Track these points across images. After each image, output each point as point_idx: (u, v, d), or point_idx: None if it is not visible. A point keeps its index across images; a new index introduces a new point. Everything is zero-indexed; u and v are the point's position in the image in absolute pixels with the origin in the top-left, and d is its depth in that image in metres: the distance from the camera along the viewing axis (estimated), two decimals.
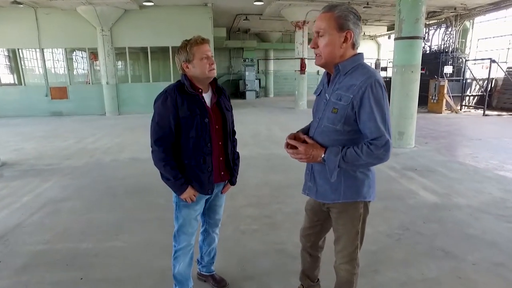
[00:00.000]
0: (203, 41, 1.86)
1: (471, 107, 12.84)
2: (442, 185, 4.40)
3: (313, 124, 1.63)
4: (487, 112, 11.44)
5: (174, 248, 2.06)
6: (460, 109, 12.34)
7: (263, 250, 2.87)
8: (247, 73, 19.25)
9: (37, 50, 12.63)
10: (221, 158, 2.01)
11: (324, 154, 1.49)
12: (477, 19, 15.19)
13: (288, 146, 1.59)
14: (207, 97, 1.94)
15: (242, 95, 19.79)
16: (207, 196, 2.03)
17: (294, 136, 1.63)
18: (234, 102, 18.20)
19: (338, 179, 1.55)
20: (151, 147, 1.88)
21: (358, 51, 1.53)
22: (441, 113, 11.86)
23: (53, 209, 3.75)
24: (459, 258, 2.67)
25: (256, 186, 4.45)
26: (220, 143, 1.98)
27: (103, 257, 2.76)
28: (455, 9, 13.13)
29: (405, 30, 6.09)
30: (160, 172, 1.92)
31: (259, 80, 20.65)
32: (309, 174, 1.69)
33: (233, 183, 2.14)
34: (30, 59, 13.30)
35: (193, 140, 1.87)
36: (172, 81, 13.03)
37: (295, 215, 3.51)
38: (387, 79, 16.31)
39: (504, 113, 11.70)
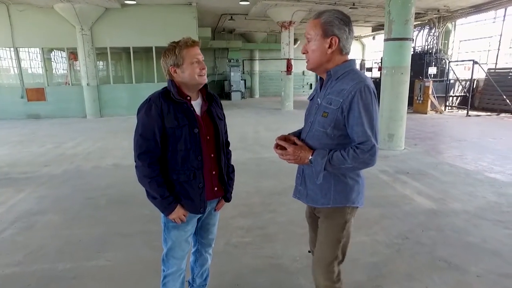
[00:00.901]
0: (193, 43, 1.66)
1: (454, 108, 13.04)
2: (436, 189, 4.33)
3: (305, 128, 1.65)
4: (470, 112, 11.64)
5: (163, 273, 1.86)
6: (444, 110, 12.51)
7: (257, 265, 2.68)
8: (232, 73, 19.00)
9: (11, 49, 12.00)
10: (213, 172, 1.82)
11: (312, 156, 1.51)
12: (459, 21, 15.47)
13: (278, 147, 1.59)
14: (196, 105, 1.74)
15: (227, 96, 19.52)
16: (199, 215, 1.84)
17: (285, 138, 1.64)
18: None
19: (328, 183, 1.56)
20: (135, 161, 1.67)
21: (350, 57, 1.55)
22: (426, 113, 11.98)
23: (26, 224, 3.45)
24: (463, 270, 2.56)
25: (246, 193, 4.26)
26: (212, 155, 1.79)
27: (83, 279, 2.51)
28: (438, 11, 13.30)
29: (395, 31, 6.04)
30: (146, 190, 1.71)
31: (245, 80, 20.43)
32: (300, 178, 1.69)
33: (227, 199, 1.94)
34: (5, 58, 12.62)
35: (181, 153, 1.67)
36: (156, 83, 12.75)
37: (289, 225, 3.35)
38: (373, 79, 16.46)
39: (485, 113, 11.93)
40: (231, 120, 11.31)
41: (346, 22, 1.47)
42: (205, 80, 1.71)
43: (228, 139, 2.01)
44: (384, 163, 5.62)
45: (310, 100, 1.69)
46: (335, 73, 1.51)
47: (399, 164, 5.58)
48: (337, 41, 1.46)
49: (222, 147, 1.84)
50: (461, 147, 6.84)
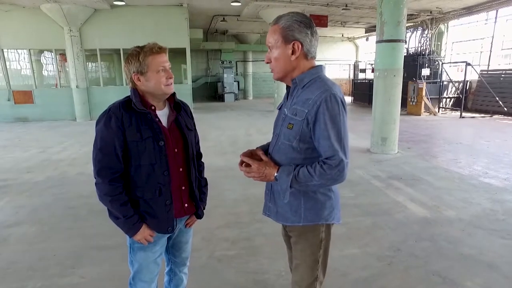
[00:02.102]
0: (160, 50, 1.51)
1: (448, 109, 13.01)
2: (429, 196, 4.21)
3: (272, 141, 1.54)
4: (463, 114, 11.60)
5: None
6: (438, 111, 12.46)
7: (242, 282, 2.53)
8: (225, 75, 18.84)
9: None
10: (183, 188, 1.66)
11: (277, 173, 1.39)
12: (451, 23, 15.49)
13: (243, 163, 1.47)
14: (162, 115, 1.59)
15: (220, 98, 19.38)
16: (169, 234, 1.68)
17: (251, 153, 1.53)
18: (212, 105, 17.72)
19: (298, 201, 1.44)
20: (95, 178, 1.51)
21: (317, 62, 1.43)
22: (420, 115, 11.92)
23: None
24: (459, 285, 2.43)
25: (234, 201, 4.10)
26: (180, 169, 1.64)
27: None
28: (430, 12, 13.28)
29: (387, 33, 5.92)
30: (107, 209, 1.55)
31: (238, 82, 20.29)
32: (269, 194, 1.58)
33: (199, 216, 1.78)
34: None
35: (145, 168, 1.52)
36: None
37: (276, 236, 3.16)
38: (366, 81, 16.40)
39: (479, 114, 11.90)
40: (223, 122, 11.23)
41: (307, 24, 1.36)
42: (172, 89, 1.56)
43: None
44: (377, 167, 5.50)
45: (279, 109, 1.57)
46: (300, 80, 1.39)
47: (392, 168, 5.46)
48: (300, 46, 1.35)
49: (192, 159, 1.68)
50: (455, 150, 6.75)
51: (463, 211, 3.74)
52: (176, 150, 1.60)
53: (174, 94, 1.63)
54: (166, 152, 1.54)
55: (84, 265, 2.76)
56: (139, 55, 1.49)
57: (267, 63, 1.45)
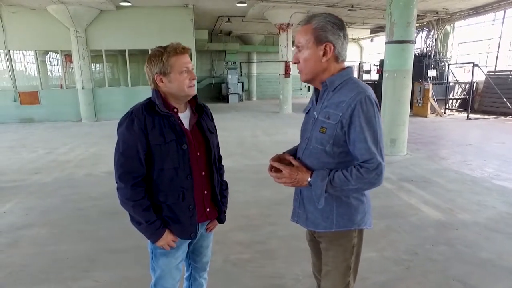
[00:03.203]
0: (183, 50, 1.47)
1: (454, 110, 12.92)
2: (442, 199, 4.15)
3: (301, 145, 1.48)
4: (470, 115, 11.50)
5: None
6: (444, 112, 12.38)
7: (259, 287, 2.48)
8: (229, 76, 18.81)
9: (1, 51, 11.73)
10: (205, 192, 1.63)
11: (310, 178, 1.35)
12: (458, 24, 15.40)
13: (272, 169, 1.43)
14: (184, 117, 1.56)
15: (224, 99, 19.35)
16: (191, 240, 1.64)
17: (279, 158, 1.49)
18: (216, 106, 17.65)
19: (330, 206, 1.40)
20: (116, 182, 1.48)
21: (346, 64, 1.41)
22: (426, 116, 11.84)
23: (10, 240, 3.23)
24: None
25: (245, 204, 4.06)
26: (203, 173, 1.60)
27: None
28: (437, 13, 13.21)
29: (397, 34, 5.87)
30: (129, 214, 1.52)
31: (242, 83, 20.25)
32: (298, 200, 1.53)
33: (221, 220, 1.75)
34: None
35: (169, 173, 1.48)
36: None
37: (290, 239, 3.15)
38: (371, 82, 16.32)
39: (486, 116, 11.81)
40: (228, 123, 11.18)
41: (340, 26, 1.32)
42: (194, 91, 1.53)
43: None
44: (387, 169, 5.43)
45: (306, 113, 1.53)
46: (331, 83, 1.35)
47: (403, 170, 5.40)
48: (332, 47, 1.31)
49: (214, 163, 1.65)
50: (464, 152, 6.68)
51: (478, 214, 3.68)
52: (198, 153, 1.56)
53: (196, 96, 1.59)
54: (189, 155, 1.50)
55: (97, 268, 2.73)
56: (162, 55, 1.45)
57: (295, 63, 1.40)
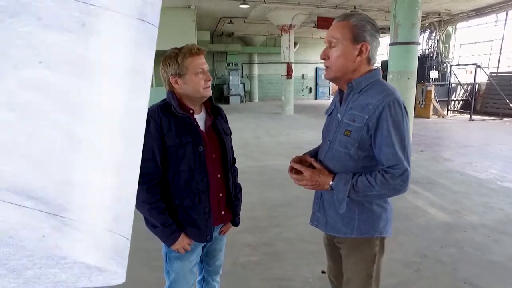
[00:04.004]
0: (199, 51, 1.46)
1: (456, 112, 12.91)
2: (449, 200, 4.14)
3: (323, 148, 1.44)
4: (472, 116, 11.50)
5: None
6: (447, 114, 12.37)
7: None
8: (231, 77, 18.81)
9: None
10: (220, 195, 1.62)
11: (332, 181, 1.30)
12: (460, 25, 15.40)
13: (292, 170, 1.39)
14: (200, 119, 1.55)
15: (226, 100, 19.35)
16: (206, 243, 1.63)
17: (300, 159, 1.45)
18: None
19: (352, 211, 1.36)
20: None
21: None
22: (428, 118, 11.84)
23: None
24: None
25: (251, 205, 4.05)
26: (218, 175, 1.59)
27: None
28: (439, 14, 13.22)
29: (401, 35, 5.85)
30: (144, 217, 1.51)
31: (244, 84, 20.26)
32: (318, 203, 1.48)
33: (236, 223, 1.74)
34: None
35: (184, 175, 1.47)
36: (154, 87, 12.61)
37: (298, 241, 3.14)
38: None
39: (488, 117, 11.80)
40: (230, 125, 11.00)
41: (377, 29, 1.30)
42: (210, 92, 1.51)
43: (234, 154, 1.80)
44: None
45: (328, 115, 1.49)
46: (357, 84, 1.30)
47: None
48: (368, 48, 1.27)
49: (229, 165, 1.64)
50: (468, 153, 6.67)
51: (485, 216, 3.67)
52: (214, 155, 1.56)
53: (211, 97, 1.59)
54: (205, 157, 1.49)
55: None
56: (177, 57, 1.44)
57: (323, 59, 1.34)
